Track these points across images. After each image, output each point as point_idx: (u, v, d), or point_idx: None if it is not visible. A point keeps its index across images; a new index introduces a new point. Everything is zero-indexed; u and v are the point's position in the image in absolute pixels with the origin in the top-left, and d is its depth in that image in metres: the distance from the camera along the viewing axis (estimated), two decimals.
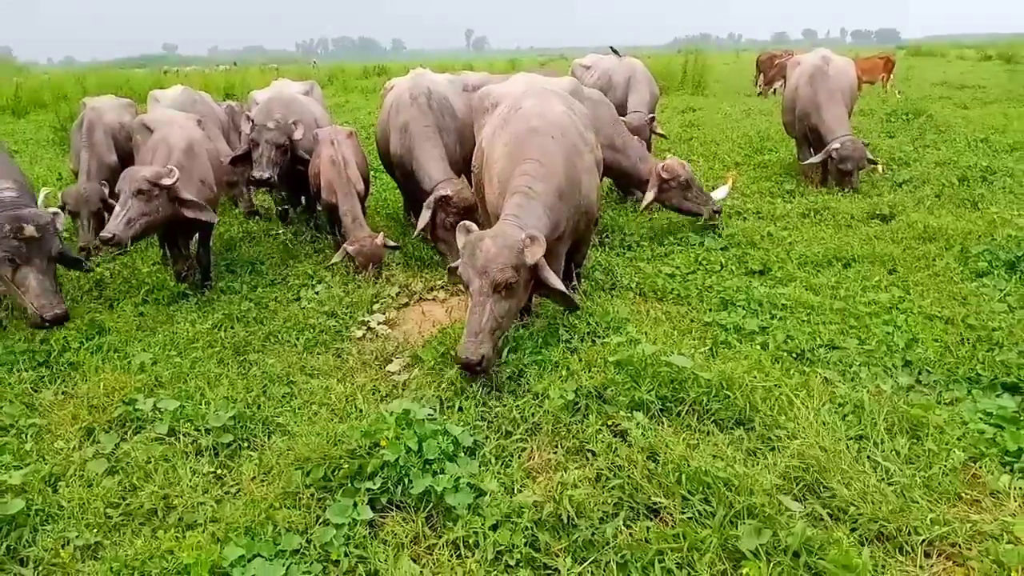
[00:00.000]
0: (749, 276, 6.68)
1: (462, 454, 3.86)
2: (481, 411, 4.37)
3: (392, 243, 7.14)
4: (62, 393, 4.86)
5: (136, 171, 6.05)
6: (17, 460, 4.02)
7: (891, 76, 22.87)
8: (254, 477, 3.84)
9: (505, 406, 4.33)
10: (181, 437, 4.17)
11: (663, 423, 4.00)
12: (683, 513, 3.32)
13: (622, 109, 10.75)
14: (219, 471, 3.95)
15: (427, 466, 3.69)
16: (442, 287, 6.69)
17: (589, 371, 4.46)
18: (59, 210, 5.90)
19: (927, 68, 32.95)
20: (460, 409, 4.34)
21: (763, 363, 4.69)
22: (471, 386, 4.51)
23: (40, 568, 3.30)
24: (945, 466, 3.59)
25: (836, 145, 9.34)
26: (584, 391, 4.27)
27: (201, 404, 4.48)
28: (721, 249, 7.40)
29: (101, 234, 5.85)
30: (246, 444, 4.21)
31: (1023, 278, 6.24)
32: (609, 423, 4.04)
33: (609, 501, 3.45)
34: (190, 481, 3.80)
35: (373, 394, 4.73)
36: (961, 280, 6.30)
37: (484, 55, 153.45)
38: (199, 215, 6.24)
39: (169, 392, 4.66)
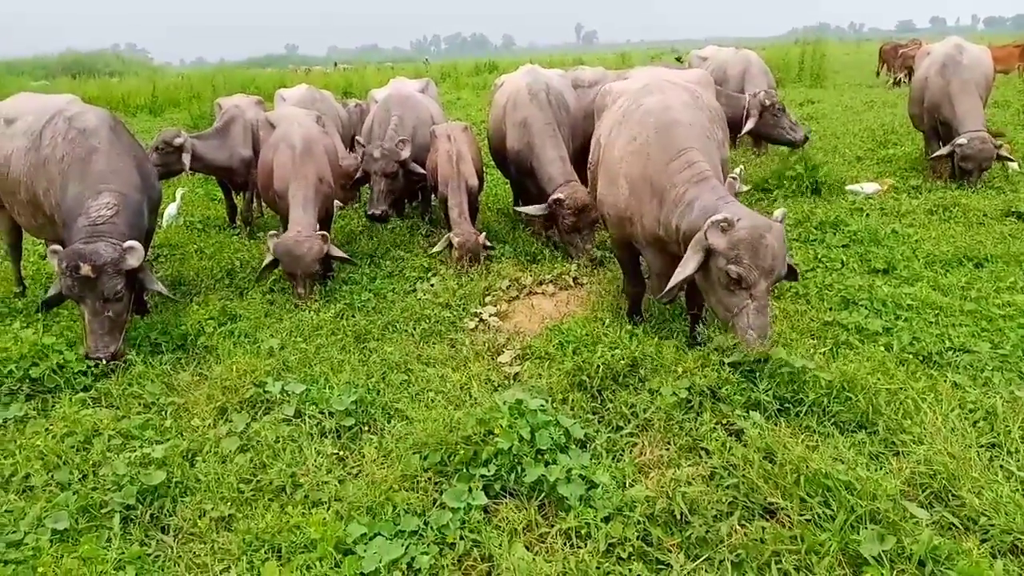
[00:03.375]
0: (872, 275, 6.43)
1: (573, 446, 3.91)
2: (592, 405, 4.40)
3: (489, 244, 7.26)
4: (198, 374, 5.18)
5: (303, 256, 6.27)
6: (159, 435, 4.33)
7: None
8: (374, 459, 4.00)
9: (616, 401, 4.35)
10: (307, 419, 4.39)
11: (780, 424, 3.92)
12: (801, 515, 3.25)
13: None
14: (342, 452, 4.13)
15: (539, 456, 3.75)
16: (551, 281, 6.75)
17: (703, 369, 4.42)
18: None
19: None
20: (566, 402, 4.40)
21: (887, 365, 4.55)
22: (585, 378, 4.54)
23: (180, 536, 3.55)
24: None
25: (961, 141, 8.85)
26: (697, 389, 4.23)
27: (325, 388, 4.68)
28: (842, 246, 7.14)
29: (302, 297, 6.29)
30: (367, 428, 4.39)
31: None
32: (723, 422, 3.99)
33: (723, 500, 3.42)
34: (315, 461, 4.00)
35: (486, 383, 4.83)
36: None
37: (594, 49, 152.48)
38: (344, 263, 6.91)
39: (296, 376, 4.90)
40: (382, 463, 3.97)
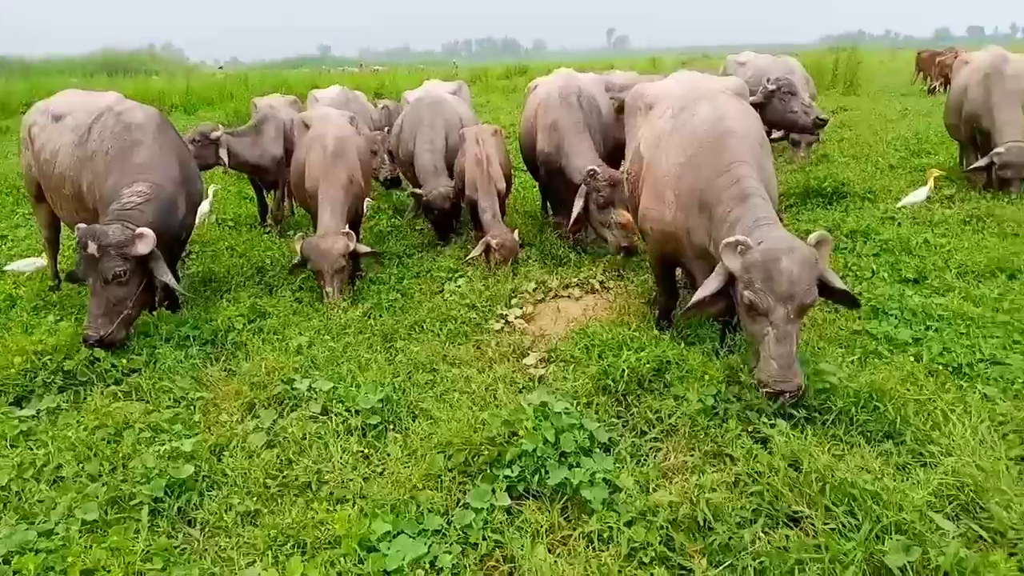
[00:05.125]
0: (903, 284, 6.36)
1: (597, 449, 3.91)
2: (617, 409, 4.40)
3: (521, 242, 7.33)
4: (227, 370, 5.24)
5: (329, 250, 6.32)
6: (187, 430, 4.38)
7: None
8: (399, 458, 4.02)
9: (641, 406, 4.34)
10: (333, 416, 4.43)
11: (807, 432, 3.89)
12: (826, 524, 3.23)
13: None
14: (367, 450, 4.16)
15: (563, 458, 3.76)
16: (577, 284, 6.74)
17: (729, 377, 4.40)
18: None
19: None
20: (591, 405, 4.40)
21: (916, 376, 4.49)
22: (611, 383, 4.54)
23: (206, 529, 3.60)
24: None
25: (1000, 150, 8.71)
26: (723, 396, 4.22)
27: (352, 386, 4.72)
28: (873, 255, 7.06)
29: (331, 297, 6.32)
30: (392, 426, 4.42)
31: None
32: (749, 429, 3.97)
33: (748, 507, 3.40)
34: (340, 458, 4.04)
35: (511, 385, 4.84)
36: None
37: (625, 54, 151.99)
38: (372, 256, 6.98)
39: (323, 374, 4.94)
40: (407, 462, 3.99)
